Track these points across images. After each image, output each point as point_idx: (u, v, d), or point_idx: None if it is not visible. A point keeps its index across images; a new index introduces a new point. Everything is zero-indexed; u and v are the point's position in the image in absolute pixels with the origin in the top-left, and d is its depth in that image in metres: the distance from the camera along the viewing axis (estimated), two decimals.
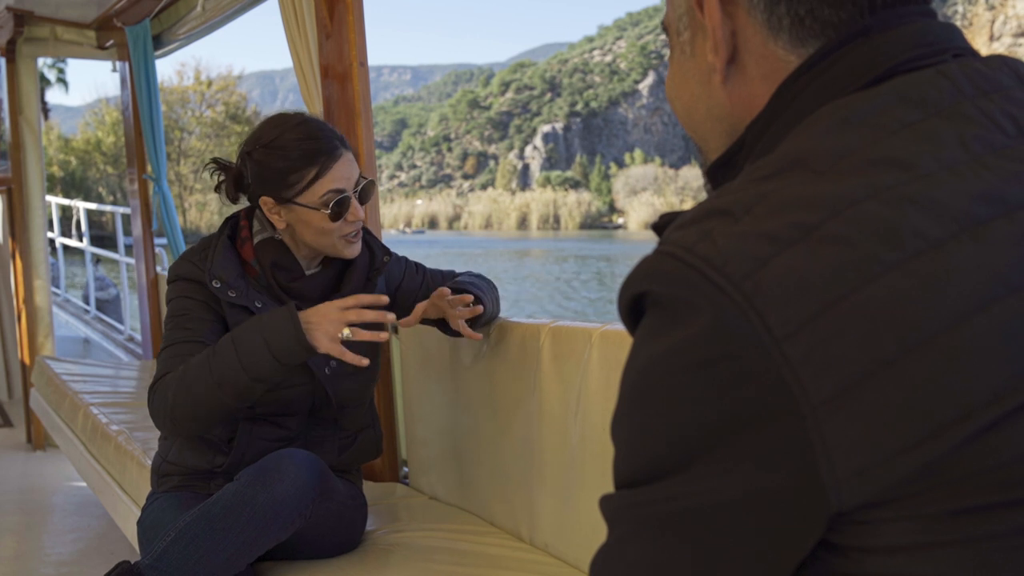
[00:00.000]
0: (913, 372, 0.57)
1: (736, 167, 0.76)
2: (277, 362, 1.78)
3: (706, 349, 0.60)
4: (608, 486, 0.68)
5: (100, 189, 44.19)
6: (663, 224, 0.73)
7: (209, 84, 50.86)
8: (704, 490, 0.61)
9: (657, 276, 0.63)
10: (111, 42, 4.75)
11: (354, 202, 1.95)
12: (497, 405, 2.22)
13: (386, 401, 2.74)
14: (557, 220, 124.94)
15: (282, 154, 1.91)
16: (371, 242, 2.12)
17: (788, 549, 0.61)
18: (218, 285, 1.92)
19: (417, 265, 2.27)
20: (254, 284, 1.97)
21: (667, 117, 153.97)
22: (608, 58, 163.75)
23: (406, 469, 2.71)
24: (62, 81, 41.90)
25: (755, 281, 0.59)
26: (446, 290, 2.04)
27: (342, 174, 1.93)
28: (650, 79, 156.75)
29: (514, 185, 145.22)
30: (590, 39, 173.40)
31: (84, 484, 3.54)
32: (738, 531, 0.61)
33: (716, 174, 0.79)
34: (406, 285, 2.21)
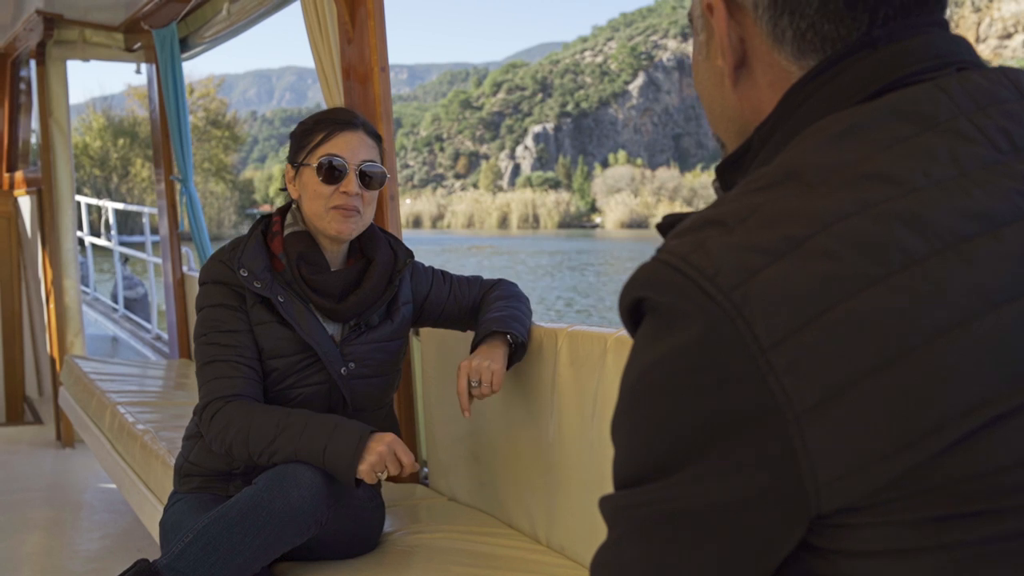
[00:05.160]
0: (893, 383, 0.58)
1: (743, 169, 0.77)
2: (324, 466, 1.87)
3: (697, 356, 0.62)
4: None
5: (86, 190, 45.11)
6: (667, 225, 0.75)
7: (191, 91, 52.35)
8: (694, 492, 0.63)
9: (653, 284, 0.65)
10: (139, 45, 4.81)
11: (351, 175, 2.00)
12: (516, 408, 2.23)
13: (407, 403, 2.77)
14: (537, 219, 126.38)
15: (306, 121, 2.09)
16: (393, 243, 2.15)
17: (771, 549, 0.64)
18: (245, 274, 1.99)
19: (444, 274, 2.28)
20: (279, 278, 2.02)
21: (656, 118, 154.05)
22: (599, 59, 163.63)
23: (426, 470, 2.73)
24: None
25: (744, 292, 0.61)
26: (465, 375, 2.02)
27: (346, 143, 2.01)
28: (640, 80, 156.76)
29: (503, 184, 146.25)
30: (584, 39, 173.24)
31: (111, 482, 3.59)
32: (725, 532, 0.63)
33: (725, 173, 0.81)
34: (434, 295, 2.22)
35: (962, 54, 0.72)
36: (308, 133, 2.04)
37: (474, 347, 2.09)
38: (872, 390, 0.59)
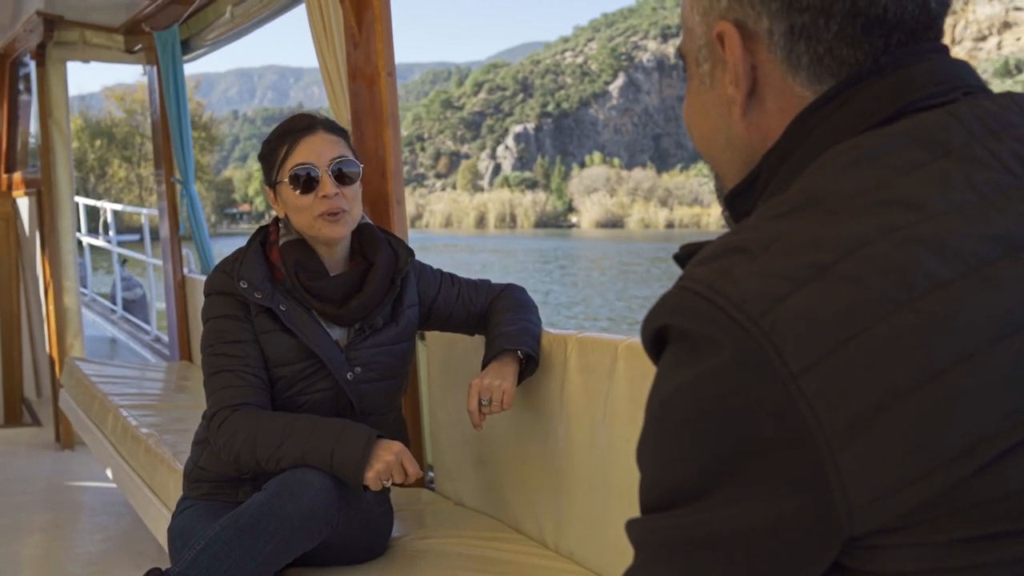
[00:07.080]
0: (923, 406, 0.59)
1: (753, 197, 0.78)
2: (331, 470, 1.87)
3: (726, 382, 0.63)
4: (633, 495, 0.71)
5: None
6: (684, 256, 0.76)
7: None
8: (725, 516, 0.64)
9: (679, 311, 0.66)
10: (139, 46, 4.81)
11: (325, 178, 2.00)
12: (524, 413, 2.24)
13: (412, 407, 2.77)
14: (514, 219, 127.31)
15: (268, 139, 2.09)
16: (394, 243, 2.16)
17: (803, 572, 0.64)
18: (245, 286, 1.99)
19: (452, 277, 2.28)
20: (279, 287, 2.03)
21: (636, 118, 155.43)
22: (579, 59, 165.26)
23: (432, 475, 2.73)
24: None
25: (773, 318, 0.62)
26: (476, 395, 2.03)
27: (310, 149, 2.01)
28: (620, 80, 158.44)
29: (484, 184, 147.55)
30: (565, 40, 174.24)
31: (112, 484, 3.59)
32: (756, 556, 0.64)
33: (734, 203, 0.82)
34: (442, 299, 2.23)
35: (966, 78, 0.74)
36: (273, 150, 2.05)
37: (485, 363, 2.09)
38: (902, 413, 0.59)
